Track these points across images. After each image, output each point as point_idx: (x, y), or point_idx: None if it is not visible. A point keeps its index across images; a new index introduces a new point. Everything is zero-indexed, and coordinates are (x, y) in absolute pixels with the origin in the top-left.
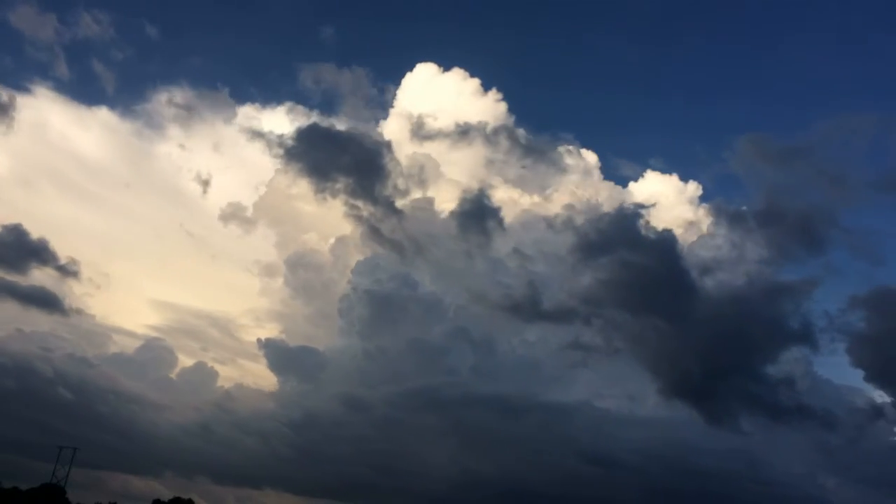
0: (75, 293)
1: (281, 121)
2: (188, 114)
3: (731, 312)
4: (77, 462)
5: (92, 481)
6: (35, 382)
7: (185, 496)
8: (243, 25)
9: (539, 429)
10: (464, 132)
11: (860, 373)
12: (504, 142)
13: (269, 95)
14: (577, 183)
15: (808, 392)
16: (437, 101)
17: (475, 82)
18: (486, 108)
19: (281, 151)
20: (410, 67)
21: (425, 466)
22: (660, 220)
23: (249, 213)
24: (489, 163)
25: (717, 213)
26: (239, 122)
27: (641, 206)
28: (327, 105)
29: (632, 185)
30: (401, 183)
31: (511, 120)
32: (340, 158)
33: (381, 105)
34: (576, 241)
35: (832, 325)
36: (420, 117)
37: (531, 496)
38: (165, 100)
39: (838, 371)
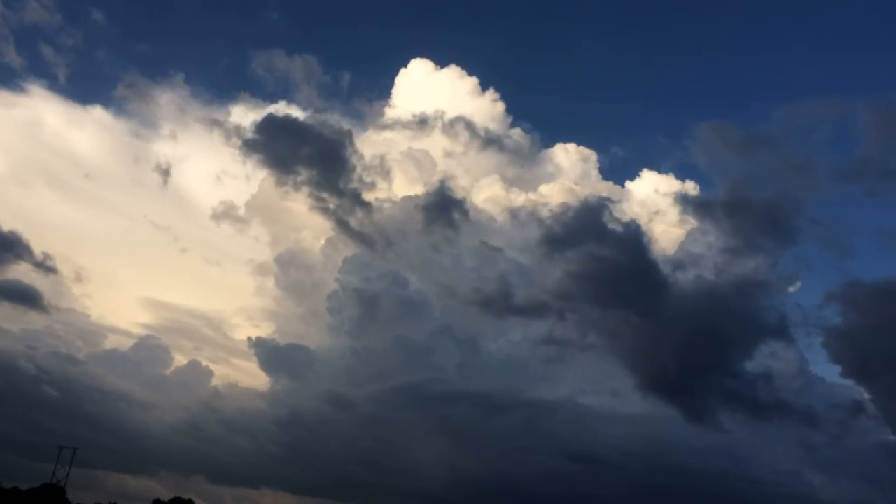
0: (62, 291)
1: (237, 110)
2: (146, 101)
3: (704, 307)
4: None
5: (89, 481)
6: (21, 380)
7: (181, 495)
8: (192, 11)
9: (516, 426)
10: (422, 121)
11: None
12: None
13: (223, 84)
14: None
15: (787, 388)
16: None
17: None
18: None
19: (239, 142)
20: (404, 64)
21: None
22: (625, 211)
23: (238, 210)
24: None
25: (684, 203)
26: (195, 110)
27: (609, 199)
28: (282, 93)
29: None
30: (365, 175)
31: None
32: (301, 149)
33: (337, 93)
34: (543, 234)
35: (807, 319)
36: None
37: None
38: (123, 87)
39: (817, 367)
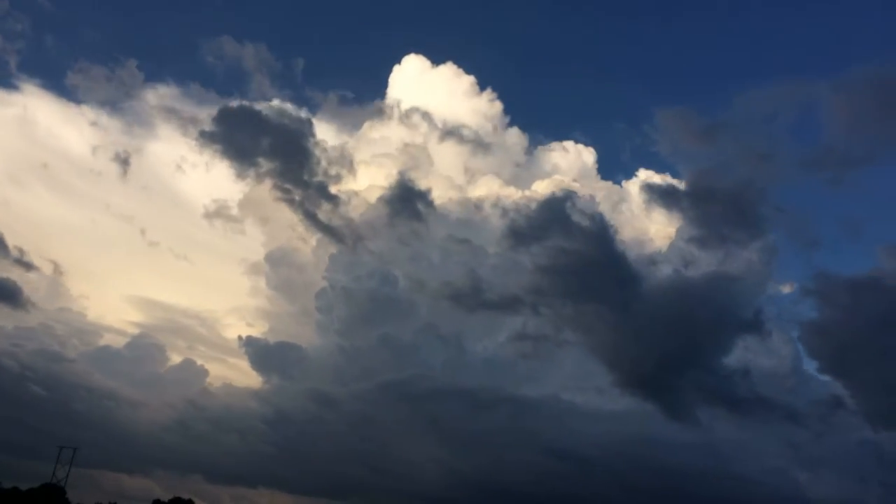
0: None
1: (193, 99)
2: (100, 90)
3: (676, 301)
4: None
5: (85, 480)
6: (4, 378)
7: (177, 494)
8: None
9: (500, 423)
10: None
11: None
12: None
13: (177, 72)
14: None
15: (766, 383)
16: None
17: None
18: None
19: (196, 132)
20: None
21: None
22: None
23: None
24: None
25: (649, 192)
26: (149, 99)
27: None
28: (235, 82)
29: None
30: (329, 167)
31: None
32: (262, 140)
33: (290, 83)
34: (510, 228)
35: (782, 313)
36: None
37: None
38: (76, 75)
39: (795, 362)
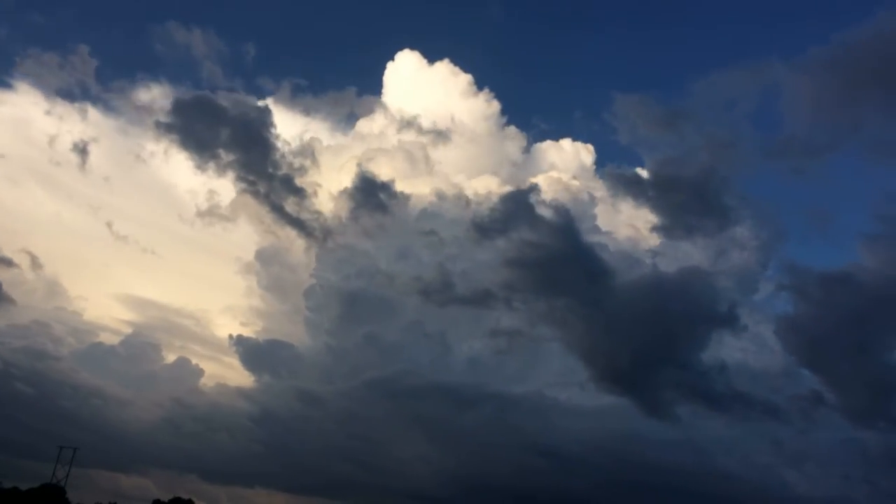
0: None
1: (149, 88)
2: (52, 77)
3: (648, 295)
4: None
5: (82, 480)
6: None
7: (174, 493)
8: None
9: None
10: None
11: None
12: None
13: (130, 60)
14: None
15: (743, 379)
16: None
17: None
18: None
19: (151, 122)
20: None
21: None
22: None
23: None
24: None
25: (613, 181)
26: (105, 85)
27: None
28: (189, 70)
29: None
30: (292, 159)
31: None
32: (221, 130)
33: (241, 70)
34: (476, 222)
35: (756, 307)
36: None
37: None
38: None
39: (773, 357)
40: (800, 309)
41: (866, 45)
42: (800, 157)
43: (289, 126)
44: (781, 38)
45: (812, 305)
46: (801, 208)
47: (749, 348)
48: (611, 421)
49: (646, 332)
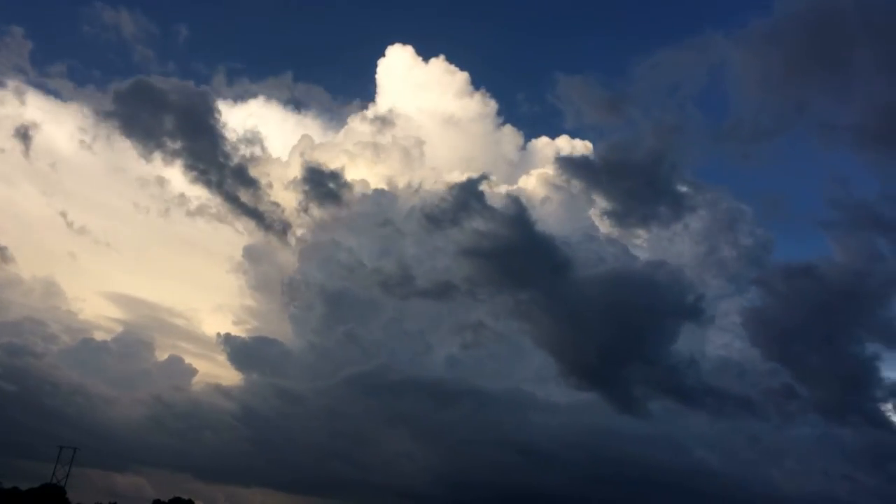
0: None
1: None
2: None
3: (609, 288)
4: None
5: (80, 479)
6: None
7: (169, 492)
8: None
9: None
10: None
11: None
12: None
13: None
14: None
15: (713, 373)
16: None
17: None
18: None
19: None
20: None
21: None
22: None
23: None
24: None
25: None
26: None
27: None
28: (123, 56)
29: None
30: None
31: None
32: (165, 117)
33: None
34: (428, 214)
35: (721, 299)
36: None
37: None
38: None
39: (742, 351)
40: (766, 301)
41: (808, 16)
42: (748, 142)
43: (234, 114)
44: (723, 10)
45: (776, 297)
46: (754, 195)
47: (717, 341)
48: (587, 416)
49: (610, 326)
